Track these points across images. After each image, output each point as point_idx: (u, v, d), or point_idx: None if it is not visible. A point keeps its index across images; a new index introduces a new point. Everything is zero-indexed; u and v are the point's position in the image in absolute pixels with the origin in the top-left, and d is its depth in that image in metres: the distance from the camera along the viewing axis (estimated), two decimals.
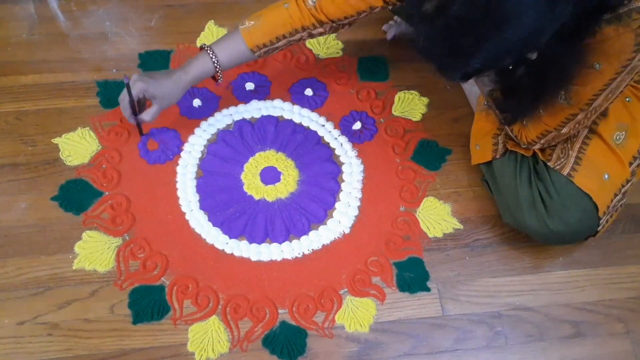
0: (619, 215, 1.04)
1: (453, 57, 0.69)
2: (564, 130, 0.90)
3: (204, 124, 1.17)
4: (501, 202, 1.05)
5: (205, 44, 1.00)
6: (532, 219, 0.96)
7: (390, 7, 0.94)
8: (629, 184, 0.97)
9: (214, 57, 0.98)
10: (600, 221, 0.96)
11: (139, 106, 1.03)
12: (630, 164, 0.96)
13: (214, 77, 1.02)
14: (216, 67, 0.99)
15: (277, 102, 1.21)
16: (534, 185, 0.96)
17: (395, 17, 1.31)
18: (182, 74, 1.00)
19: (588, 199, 0.93)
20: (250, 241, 1.05)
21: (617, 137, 0.95)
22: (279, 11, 0.97)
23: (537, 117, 0.89)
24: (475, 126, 1.11)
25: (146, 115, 1.03)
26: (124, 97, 1.01)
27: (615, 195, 0.96)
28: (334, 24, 0.97)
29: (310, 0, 0.94)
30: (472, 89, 1.20)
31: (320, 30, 0.98)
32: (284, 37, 0.98)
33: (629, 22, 0.71)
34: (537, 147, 0.96)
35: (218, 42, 1.00)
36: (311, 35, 0.99)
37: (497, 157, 1.03)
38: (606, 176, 0.94)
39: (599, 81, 0.80)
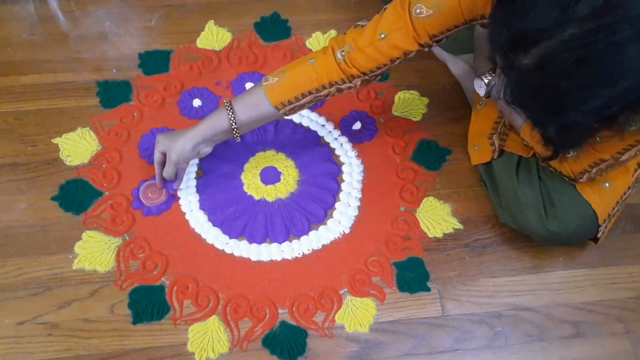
0: (619, 216, 1.04)
1: (551, 114, 0.64)
2: (624, 157, 0.81)
3: None
4: (499, 203, 1.05)
5: (225, 100, 0.94)
6: (531, 220, 0.96)
7: (426, 50, 0.87)
8: (631, 190, 0.97)
9: (231, 114, 0.92)
10: (600, 228, 0.96)
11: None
12: (635, 170, 0.95)
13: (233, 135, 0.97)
14: (232, 126, 0.93)
15: None
16: (536, 186, 0.96)
17: None
18: (195, 128, 0.96)
19: (588, 206, 0.93)
20: (250, 241, 1.05)
21: None
22: (304, 67, 0.90)
23: (591, 146, 0.81)
24: (473, 127, 1.11)
25: (164, 171, 1.01)
26: (154, 155, 1.01)
27: (617, 202, 0.96)
28: (366, 77, 0.89)
29: (339, 54, 0.87)
30: (471, 89, 1.20)
31: (350, 85, 0.90)
32: (310, 93, 0.91)
33: None
34: (584, 178, 0.89)
35: (238, 99, 0.94)
36: (339, 91, 0.92)
37: (496, 157, 1.03)
38: (607, 185, 0.93)
39: None
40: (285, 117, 0.95)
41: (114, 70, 1.23)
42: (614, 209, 0.96)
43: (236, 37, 1.30)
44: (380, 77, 0.92)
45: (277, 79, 0.91)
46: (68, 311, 0.97)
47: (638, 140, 0.78)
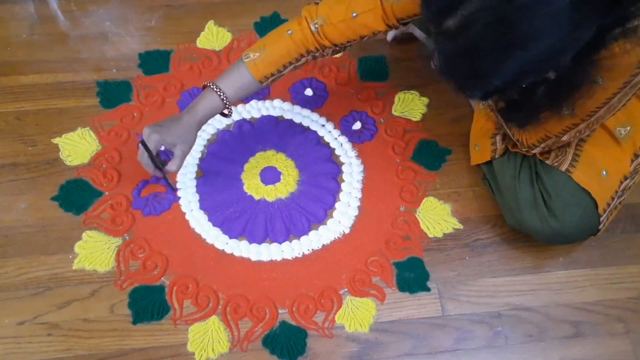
0: (619, 215, 1.04)
1: (474, 77, 0.68)
2: (565, 137, 0.89)
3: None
4: (502, 203, 1.05)
5: (208, 82, 0.95)
6: (533, 219, 0.96)
7: (394, 30, 0.93)
8: (629, 181, 0.97)
9: (220, 92, 0.94)
10: (601, 219, 0.96)
11: (159, 160, 0.99)
12: (632, 160, 0.96)
13: (222, 113, 0.99)
14: (225, 102, 0.95)
15: (277, 102, 1.21)
16: (535, 185, 0.96)
17: None
18: (191, 116, 0.95)
19: (588, 197, 0.93)
20: (250, 241, 1.05)
21: (619, 132, 0.94)
22: (283, 40, 0.94)
23: (538, 123, 0.88)
24: (475, 126, 1.11)
25: (172, 166, 0.98)
26: (142, 155, 0.97)
27: (616, 192, 0.96)
28: (337, 47, 0.95)
29: (312, 25, 0.92)
30: None
31: (323, 53, 0.96)
32: (290, 63, 0.95)
33: (635, 39, 0.70)
34: (537, 150, 0.96)
35: (221, 78, 0.96)
36: (314, 58, 0.97)
37: (497, 157, 1.03)
38: (604, 172, 0.94)
39: (601, 95, 0.79)
40: (266, 87, 0.99)
41: (114, 70, 1.23)
42: (613, 198, 0.96)
43: (236, 37, 1.30)
44: (349, 47, 0.97)
45: (257, 54, 0.94)
46: (68, 311, 0.97)
47: (574, 124, 0.85)
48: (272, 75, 0.95)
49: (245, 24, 1.32)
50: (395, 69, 1.27)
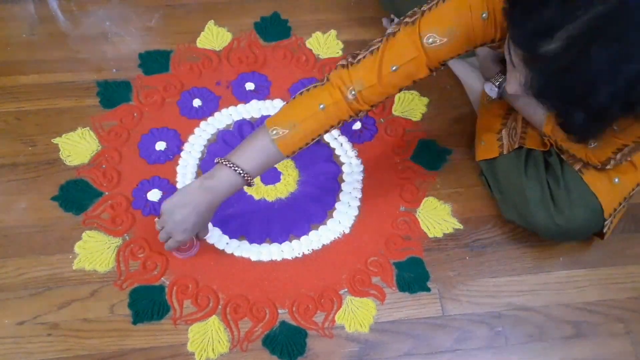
0: (624, 212, 1.03)
1: (580, 97, 0.64)
2: None
3: (203, 124, 1.17)
4: (503, 199, 1.05)
5: (220, 159, 0.89)
6: (539, 215, 0.96)
7: (434, 74, 0.86)
8: (639, 187, 0.97)
9: (239, 169, 0.87)
10: (605, 222, 0.96)
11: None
12: None
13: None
14: (247, 179, 0.89)
15: (277, 102, 1.21)
16: (543, 182, 0.96)
17: (392, 16, 1.31)
18: (213, 201, 0.91)
19: (596, 199, 0.93)
20: (250, 241, 1.05)
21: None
22: (315, 116, 0.86)
23: (610, 134, 0.83)
24: (480, 122, 1.10)
25: (195, 249, 1.01)
26: (169, 245, 0.96)
27: (625, 198, 0.96)
28: (373, 107, 0.89)
29: (349, 94, 0.84)
30: (473, 87, 1.20)
31: (356, 119, 0.90)
32: (320, 135, 0.90)
33: None
34: (611, 165, 0.91)
35: (240, 152, 0.89)
36: (344, 125, 0.91)
37: (505, 153, 1.02)
38: (616, 180, 0.94)
39: None
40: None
41: (114, 70, 1.23)
42: (620, 204, 0.96)
43: (236, 37, 1.30)
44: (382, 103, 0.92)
45: (287, 131, 0.87)
46: (68, 311, 0.97)
47: None
48: (300, 149, 0.90)
49: (245, 24, 1.32)
50: None
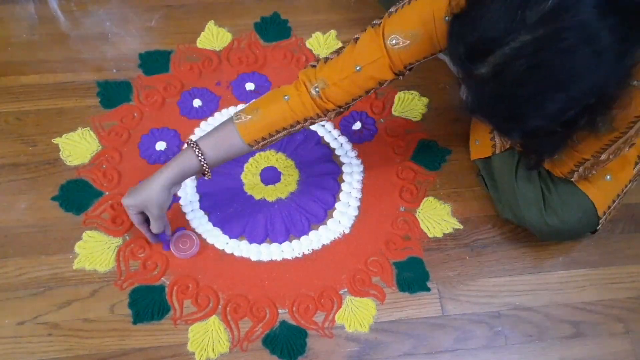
0: (619, 215, 1.04)
1: (512, 120, 0.65)
2: (603, 156, 0.84)
3: (203, 124, 1.17)
4: (498, 198, 1.05)
5: (190, 139, 0.90)
6: (531, 215, 0.96)
7: (401, 78, 0.87)
8: (632, 184, 0.97)
9: (199, 154, 0.88)
10: (600, 220, 0.96)
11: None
12: (636, 163, 0.95)
13: (203, 173, 0.92)
14: (202, 165, 0.88)
15: None
16: (535, 182, 0.96)
17: None
18: (162, 176, 0.89)
19: (588, 200, 0.94)
20: (250, 241, 1.05)
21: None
22: (279, 105, 0.87)
23: (571, 148, 0.83)
24: (474, 121, 1.10)
25: (152, 228, 0.95)
26: (135, 221, 0.95)
27: (618, 195, 0.96)
28: (340, 109, 0.88)
29: (313, 90, 0.85)
30: None
31: (324, 118, 0.90)
32: (284, 129, 0.89)
33: None
34: (575, 177, 0.91)
35: (206, 136, 0.90)
36: (312, 124, 0.91)
37: (497, 152, 1.03)
38: (608, 177, 0.94)
39: None
40: (254, 150, 0.93)
41: (114, 70, 1.23)
42: (614, 201, 0.96)
43: (236, 37, 1.30)
44: (352, 106, 0.91)
45: (250, 117, 0.87)
46: (68, 311, 0.97)
47: (612, 140, 0.80)
48: (264, 139, 0.89)
49: (245, 24, 1.32)
50: None
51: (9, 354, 0.93)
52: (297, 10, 1.35)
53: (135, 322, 0.96)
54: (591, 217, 0.96)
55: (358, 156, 1.16)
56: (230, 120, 0.89)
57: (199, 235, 1.05)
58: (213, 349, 0.94)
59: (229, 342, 0.96)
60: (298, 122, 0.89)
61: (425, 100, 1.23)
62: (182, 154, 0.90)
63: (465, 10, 0.64)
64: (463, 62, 0.64)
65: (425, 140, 1.18)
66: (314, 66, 0.87)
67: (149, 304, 0.98)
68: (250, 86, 1.23)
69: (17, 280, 0.99)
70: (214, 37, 1.29)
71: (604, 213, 0.96)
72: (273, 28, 1.32)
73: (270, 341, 0.96)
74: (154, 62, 1.25)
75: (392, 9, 0.82)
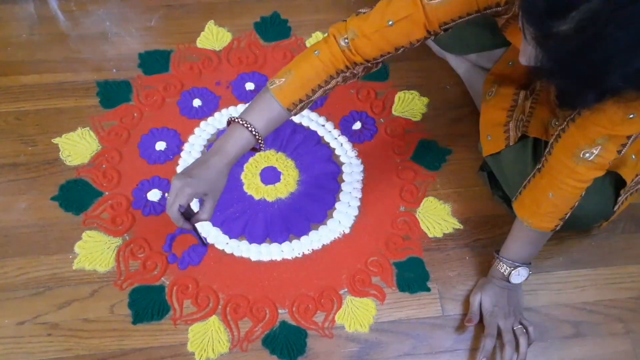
0: (619, 215, 1.03)
1: (593, 79, 0.62)
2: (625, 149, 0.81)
3: (203, 124, 1.17)
4: (510, 191, 1.02)
5: (233, 116, 0.86)
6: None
7: (432, 38, 0.83)
8: None
9: (250, 126, 0.85)
10: (619, 199, 0.94)
11: (187, 210, 0.88)
12: None
13: (254, 148, 0.89)
14: (256, 137, 0.86)
15: None
16: None
17: None
18: (221, 159, 0.85)
19: (607, 180, 0.91)
20: (250, 241, 1.05)
21: None
22: (311, 61, 0.85)
23: (596, 115, 0.77)
24: (484, 117, 1.07)
25: (204, 214, 0.88)
26: (171, 208, 0.85)
27: (637, 175, 0.94)
28: (369, 64, 0.86)
29: (342, 41, 0.83)
30: (474, 85, 1.19)
31: (354, 72, 0.87)
32: (320, 87, 0.86)
33: None
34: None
35: (247, 110, 0.87)
36: (344, 80, 0.88)
37: (511, 144, 1.00)
38: (633, 157, 0.91)
39: None
40: (295, 115, 0.90)
41: (114, 70, 1.23)
42: (634, 181, 0.94)
43: (236, 37, 1.30)
44: (382, 64, 0.89)
45: (283, 79, 0.85)
46: (68, 311, 0.97)
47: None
48: (301, 101, 0.86)
49: (245, 24, 1.32)
50: (395, 69, 1.27)
51: (8, 354, 0.93)
52: (297, 10, 1.35)
53: (135, 322, 0.96)
54: (609, 198, 0.94)
55: (358, 156, 1.16)
56: (266, 89, 0.87)
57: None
58: (213, 349, 0.94)
59: (228, 342, 0.96)
60: (331, 77, 0.86)
61: (425, 100, 1.23)
62: (230, 133, 0.86)
63: None
64: (542, 19, 0.61)
65: (425, 140, 1.18)
66: (344, 20, 0.85)
67: (148, 304, 0.98)
68: (250, 86, 1.23)
69: (17, 280, 0.99)
70: (214, 37, 1.30)
71: (624, 191, 0.93)
72: (273, 28, 1.32)
73: (270, 341, 0.96)
74: (154, 62, 1.25)
75: None
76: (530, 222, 0.91)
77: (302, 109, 0.89)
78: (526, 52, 0.69)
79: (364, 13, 0.84)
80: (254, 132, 0.85)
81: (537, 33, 0.63)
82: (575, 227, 1.02)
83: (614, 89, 0.63)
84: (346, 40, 0.83)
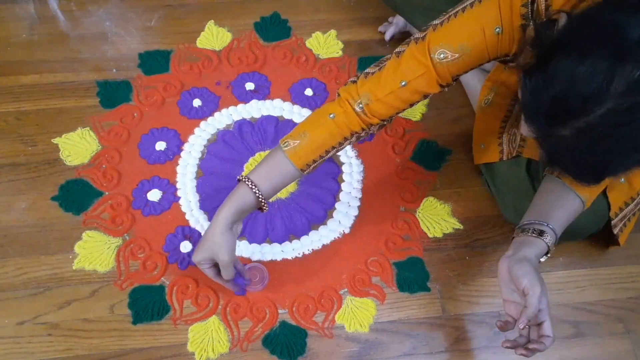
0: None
1: (594, 171, 0.66)
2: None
3: (203, 124, 1.17)
4: (502, 201, 1.05)
5: (241, 175, 0.88)
6: None
7: (446, 89, 0.84)
8: None
9: (254, 187, 0.86)
10: (613, 222, 0.96)
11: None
12: None
13: (259, 208, 0.90)
14: (259, 199, 0.87)
15: (277, 102, 1.21)
16: None
17: (390, 18, 1.31)
18: (221, 219, 0.86)
19: (601, 198, 0.92)
20: (250, 241, 1.05)
21: None
22: (325, 124, 0.86)
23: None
24: (478, 125, 1.09)
25: (224, 275, 0.91)
26: (211, 275, 0.91)
27: (632, 198, 0.95)
28: (384, 122, 0.87)
29: (357, 106, 0.84)
30: (474, 90, 1.20)
31: (368, 132, 0.88)
32: (333, 148, 0.88)
33: None
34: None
35: (257, 169, 0.88)
36: (358, 139, 0.89)
37: (505, 158, 1.02)
38: (622, 180, 0.93)
39: None
40: (306, 174, 0.90)
41: (114, 70, 1.23)
42: (627, 204, 0.95)
43: (236, 37, 1.30)
44: (395, 118, 0.90)
45: (298, 141, 0.86)
46: (68, 311, 0.97)
47: None
48: (314, 162, 0.88)
49: (245, 24, 1.32)
50: None
51: (8, 354, 0.93)
52: (297, 10, 1.35)
53: (135, 322, 0.96)
54: (600, 218, 0.95)
55: (358, 156, 1.16)
56: (278, 148, 0.88)
57: (198, 235, 1.05)
58: (213, 349, 0.94)
59: (228, 342, 0.96)
60: (346, 139, 0.87)
61: (425, 100, 1.23)
62: (235, 191, 0.88)
63: (543, 69, 0.63)
64: (542, 124, 0.65)
65: (425, 140, 1.18)
66: (354, 82, 0.85)
67: (148, 304, 0.98)
68: (250, 86, 1.23)
69: (17, 280, 0.99)
70: (213, 37, 1.29)
71: (616, 214, 0.95)
72: (273, 28, 1.32)
73: (270, 341, 0.96)
74: (154, 62, 1.25)
75: (436, 22, 0.80)
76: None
77: (314, 168, 0.90)
78: (526, 129, 0.71)
79: (372, 74, 0.84)
80: (258, 195, 0.86)
81: (538, 132, 0.67)
82: (568, 239, 1.02)
83: (613, 175, 0.68)
84: (360, 106, 0.84)
